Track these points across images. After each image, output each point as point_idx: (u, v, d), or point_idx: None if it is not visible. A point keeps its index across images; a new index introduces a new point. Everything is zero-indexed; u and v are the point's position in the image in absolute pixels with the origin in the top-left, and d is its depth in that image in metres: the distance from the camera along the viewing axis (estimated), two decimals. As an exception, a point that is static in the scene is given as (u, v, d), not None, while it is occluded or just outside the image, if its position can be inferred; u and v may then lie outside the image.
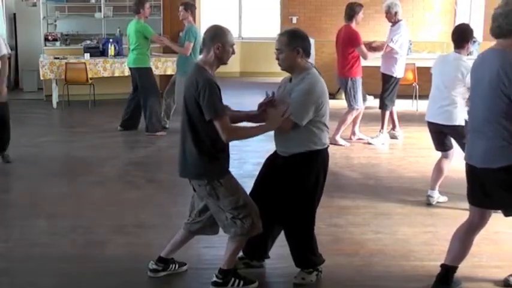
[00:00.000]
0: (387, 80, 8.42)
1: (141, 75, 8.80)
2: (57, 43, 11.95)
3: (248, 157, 7.14)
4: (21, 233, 5.28)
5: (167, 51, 10.89)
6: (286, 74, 4.30)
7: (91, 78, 10.83)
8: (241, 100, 8.63)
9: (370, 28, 11.53)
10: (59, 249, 4.90)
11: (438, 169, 5.95)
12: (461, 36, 5.61)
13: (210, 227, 4.26)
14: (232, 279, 4.18)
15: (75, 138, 8.86)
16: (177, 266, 4.44)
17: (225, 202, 3.99)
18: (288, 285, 4.34)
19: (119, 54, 11.17)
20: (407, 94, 10.65)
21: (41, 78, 11.07)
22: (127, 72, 9.39)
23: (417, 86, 10.78)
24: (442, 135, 5.83)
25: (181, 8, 8.80)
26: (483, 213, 4.06)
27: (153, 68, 10.89)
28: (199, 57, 4.44)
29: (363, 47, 8.14)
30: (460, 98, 5.59)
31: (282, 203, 4.19)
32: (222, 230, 4.15)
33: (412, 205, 6.00)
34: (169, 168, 7.26)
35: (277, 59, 4.15)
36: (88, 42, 11.79)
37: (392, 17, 8.35)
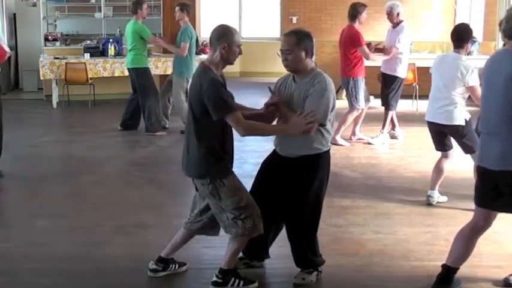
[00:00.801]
0: (392, 80, 8.41)
1: (139, 76, 8.81)
2: (57, 43, 11.96)
3: (248, 157, 7.13)
4: (21, 233, 5.28)
5: (167, 51, 10.88)
6: (285, 74, 4.29)
7: (91, 78, 10.83)
8: (241, 100, 8.53)
9: (371, 28, 11.53)
10: (59, 249, 4.90)
11: (438, 169, 5.96)
12: (460, 36, 5.61)
13: (210, 228, 4.26)
14: (232, 279, 4.18)
15: (75, 138, 8.86)
16: (177, 266, 4.44)
17: (227, 202, 3.99)
18: (288, 285, 4.33)
19: (119, 54, 11.18)
20: (407, 94, 10.63)
21: (41, 78, 11.08)
22: (127, 72, 9.40)
23: (417, 86, 10.79)
24: (442, 135, 5.83)
25: (177, 8, 8.81)
26: (489, 215, 4.04)
27: (153, 68, 10.94)
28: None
29: (365, 48, 8.14)
30: (460, 98, 5.60)
31: (288, 203, 4.19)
32: (223, 230, 4.15)
33: (412, 205, 6.00)
34: (169, 168, 7.27)
35: (285, 60, 4.08)
36: (88, 42, 11.80)
37: (394, 18, 8.35)
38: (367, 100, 8.54)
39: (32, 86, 12.43)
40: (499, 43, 10.82)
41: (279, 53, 4.12)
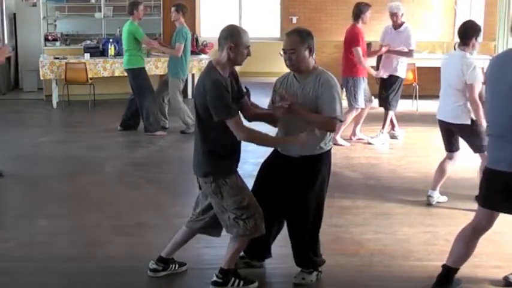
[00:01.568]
0: (393, 80, 8.41)
1: (135, 76, 8.82)
2: (57, 43, 11.97)
3: (248, 157, 7.11)
4: (21, 233, 5.28)
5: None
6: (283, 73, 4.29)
7: (91, 78, 10.82)
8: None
9: (371, 28, 11.45)
10: (59, 249, 4.90)
11: (441, 170, 5.94)
12: (465, 33, 5.57)
13: (212, 228, 4.25)
14: (232, 279, 4.18)
15: (75, 138, 8.86)
16: (177, 266, 4.44)
17: (229, 201, 3.99)
18: (288, 285, 4.33)
19: (119, 54, 11.15)
20: (407, 94, 10.63)
21: (41, 78, 11.07)
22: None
23: (417, 86, 10.78)
24: (450, 134, 5.78)
25: (173, 9, 8.82)
26: (492, 216, 4.03)
27: (153, 68, 10.95)
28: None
29: (359, 50, 8.10)
30: (464, 96, 5.53)
31: (290, 202, 4.20)
32: (225, 230, 4.15)
33: (412, 205, 6.00)
34: (169, 168, 7.28)
35: (289, 59, 4.05)
36: (88, 42, 11.80)
37: (399, 19, 8.36)
38: (369, 101, 8.52)
39: (32, 86, 12.42)
40: (499, 43, 10.83)
41: (281, 53, 4.11)
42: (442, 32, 12.57)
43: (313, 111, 4.05)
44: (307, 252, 4.30)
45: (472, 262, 4.31)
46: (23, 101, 11.60)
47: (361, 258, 4.79)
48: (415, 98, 10.82)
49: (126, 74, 9.13)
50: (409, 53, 8.44)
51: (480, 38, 5.61)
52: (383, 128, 8.55)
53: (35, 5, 12.32)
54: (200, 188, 4.16)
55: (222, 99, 3.82)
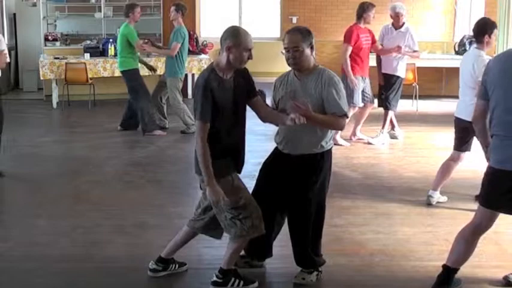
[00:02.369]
0: (393, 80, 8.41)
1: (129, 77, 8.84)
2: (57, 43, 11.97)
3: (248, 157, 7.09)
4: (21, 233, 5.28)
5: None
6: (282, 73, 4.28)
7: (91, 78, 10.83)
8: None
9: (371, 28, 11.49)
10: (59, 249, 4.90)
11: (443, 170, 5.90)
12: (478, 30, 5.53)
13: (213, 229, 4.24)
14: (232, 279, 4.18)
15: (75, 138, 8.86)
16: (177, 266, 4.44)
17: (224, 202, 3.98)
18: (288, 285, 4.33)
19: (118, 54, 11.16)
20: (407, 94, 10.63)
21: (41, 78, 11.07)
22: (126, 73, 9.40)
23: (417, 86, 10.78)
24: (466, 133, 5.62)
25: (172, 8, 8.83)
26: (493, 216, 4.03)
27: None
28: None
29: (348, 47, 8.08)
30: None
31: (292, 201, 4.20)
32: (224, 231, 4.15)
33: (412, 205, 6.00)
34: (169, 168, 7.27)
35: (293, 58, 4.02)
36: (88, 42, 11.80)
37: (401, 19, 8.36)
38: (371, 101, 8.50)
39: (32, 86, 12.43)
40: (499, 43, 10.82)
41: (283, 52, 4.10)
42: (442, 32, 12.55)
43: (316, 110, 4.01)
44: (307, 252, 4.29)
45: (472, 262, 4.31)
46: (23, 101, 11.60)
47: (361, 258, 4.79)
48: (415, 98, 10.82)
49: (124, 75, 9.15)
50: (416, 54, 8.50)
51: (494, 35, 5.56)
52: (383, 128, 8.55)
53: (35, 5, 12.31)
54: (201, 188, 4.17)
55: (200, 100, 3.82)
